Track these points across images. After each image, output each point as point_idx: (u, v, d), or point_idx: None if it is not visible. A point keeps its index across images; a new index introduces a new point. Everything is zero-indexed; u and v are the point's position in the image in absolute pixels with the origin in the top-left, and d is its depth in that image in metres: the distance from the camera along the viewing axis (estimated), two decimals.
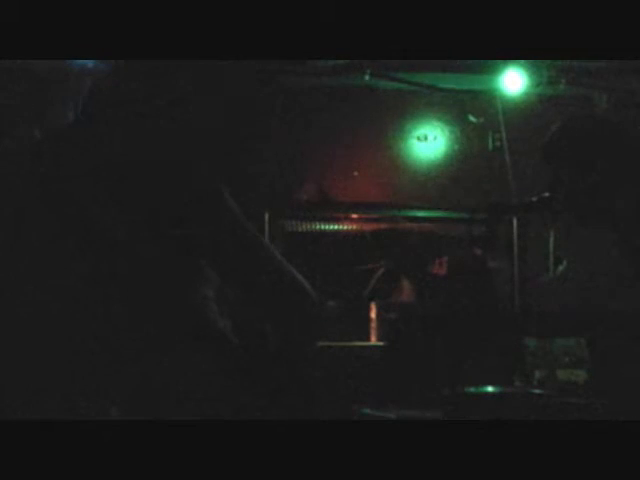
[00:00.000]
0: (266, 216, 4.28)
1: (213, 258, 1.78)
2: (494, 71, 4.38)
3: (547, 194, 2.63)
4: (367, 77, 4.39)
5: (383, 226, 4.68)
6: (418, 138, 4.73)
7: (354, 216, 4.68)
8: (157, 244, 1.71)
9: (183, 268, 1.75)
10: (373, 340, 4.25)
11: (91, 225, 1.71)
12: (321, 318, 2.05)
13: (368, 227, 4.71)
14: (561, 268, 2.99)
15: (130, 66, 1.87)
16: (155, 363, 1.71)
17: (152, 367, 1.71)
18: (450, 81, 4.56)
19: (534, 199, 2.68)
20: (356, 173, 4.64)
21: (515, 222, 4.53)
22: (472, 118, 4.71)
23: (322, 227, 4.67)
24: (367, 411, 2.71)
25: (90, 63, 1.91)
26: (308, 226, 4.66)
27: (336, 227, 4.68)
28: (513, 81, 4.40)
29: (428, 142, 4.74)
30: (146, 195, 1.72)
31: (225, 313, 1.82)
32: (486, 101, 4.66)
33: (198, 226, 1.74)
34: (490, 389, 2.70)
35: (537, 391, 2.72)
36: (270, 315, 1.84)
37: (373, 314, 4.31)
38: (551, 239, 4.13)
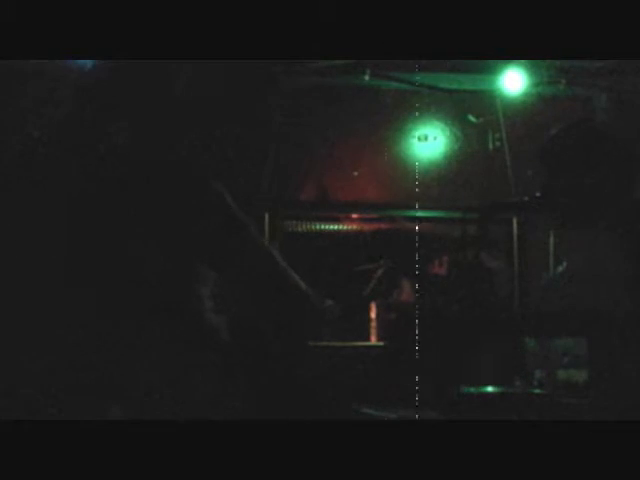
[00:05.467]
0: (266, 216, 4.28)
1: (212, 256, 1.78)
2: (494, 71, 4.37)
3: (546, 194, 2.63)
4: (367, 77, 4.39)
5: (383, 226, 4.68)
6: (418, 138, 4.73)
7: (354, 216, 4.68)
8: (154, 242, 1.71)
9: (178, 266, 1.75)
10: (373, 340, 4.25)
11: (89, 223, 1.71)
12: (318, 318, 2.05)
13: (368, 227, 4.71)
14: (561, 268, 2.98)
15: (130, 66, 1.87)
16: (150, 362, 1.71)
17: (147, 366, 1.71)
18: (450, 81, 4.56)
19: (534, 199, 2.68)
20: (356, 173, 4.64)
21: (515, 222, 4.53)
22: (472, 118, 4.70)
23: (322, 227, 4.67)
24: (367, 411, 2.71)
25: (90, 63, 1.90)
26: (308, 226, 4.66)
27: (336, 227, 4.68)
28: (513, 81, 4.40)
29: (428, 142, 4.73)
30: (145, 194, 1.73)
31: (221, 311, 1.82)
32: (486, 101, 4.66)
33: (196, 224, 1.74)
34: (490, 389, 2.70)
35: (537, 391, 2.72)
36: (267, 314, 1.84)
37: (373, 314, 4.30)
38: (551, 239, 4.13)
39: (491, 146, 4.69)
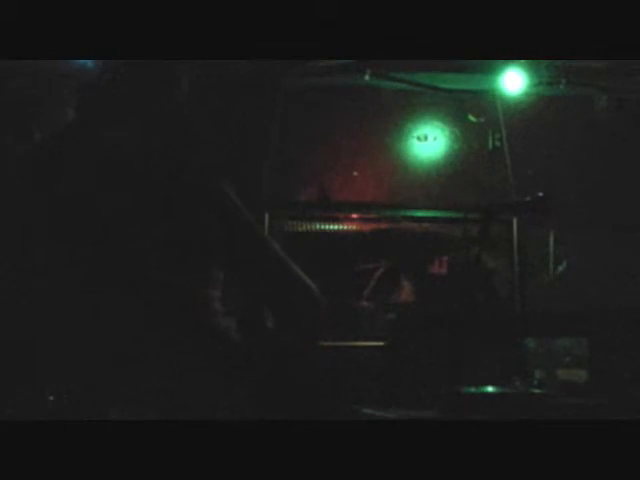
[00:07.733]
0: (266, 216, 4.28)
1: (219, 257, 1.77)
2: (494, 71, 4.38)
3: (545, 194, 2.63)
4: (367, 77, 4.39)
5: (383, 226, 4.68)
6: (418, 138, 4.73)
7: (354, 216, 4.68)
8: (161, 244, 1.71)
9: (187, 268, 1.75)
10: (373, 340, 4.24)
11: (94, 224, 1.71)
12: (325, 316, 2.05)
13: (368, 227, 4.71)
14: (561, 268, 2.98)
15: (130, 66, 1.87)
16: (158, 363, 1.71)
17: (155, 367, 1.71)
18: (450, 81, 4.56)
19: (534, 199, 2.68)
20: (356, 173, 4.64)
21: (515, 222, 4.53)
22: (472, 118, 4.70)
23: (322, 227, 4.67)
24: (367, 411, 2.70)
25: (90, 63, 1.91)
26: (308, 226, 4.66)
27: (336, 227, 4.68)
28: (513, 81, 4.40)
29: (428, 142, 4.74)
30: (150, 194, 1.72)
31: (230, 312, 1.82)
32: (486, 101, 4.66)
33: (203, 225, 1.74)
34: (490, 389, 2.70)
35: (537, 391, 2.72)
36: (275, 313, 1.84)
37: (373, 314, 4.30)
38: (551, 239, 4.13)
39: (491, 146, 4.69)
